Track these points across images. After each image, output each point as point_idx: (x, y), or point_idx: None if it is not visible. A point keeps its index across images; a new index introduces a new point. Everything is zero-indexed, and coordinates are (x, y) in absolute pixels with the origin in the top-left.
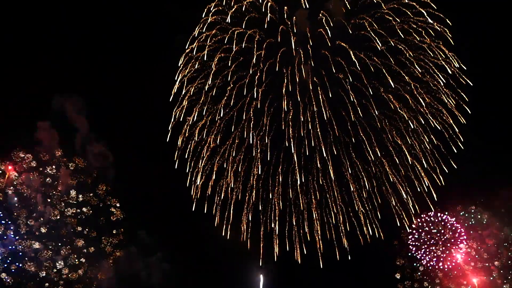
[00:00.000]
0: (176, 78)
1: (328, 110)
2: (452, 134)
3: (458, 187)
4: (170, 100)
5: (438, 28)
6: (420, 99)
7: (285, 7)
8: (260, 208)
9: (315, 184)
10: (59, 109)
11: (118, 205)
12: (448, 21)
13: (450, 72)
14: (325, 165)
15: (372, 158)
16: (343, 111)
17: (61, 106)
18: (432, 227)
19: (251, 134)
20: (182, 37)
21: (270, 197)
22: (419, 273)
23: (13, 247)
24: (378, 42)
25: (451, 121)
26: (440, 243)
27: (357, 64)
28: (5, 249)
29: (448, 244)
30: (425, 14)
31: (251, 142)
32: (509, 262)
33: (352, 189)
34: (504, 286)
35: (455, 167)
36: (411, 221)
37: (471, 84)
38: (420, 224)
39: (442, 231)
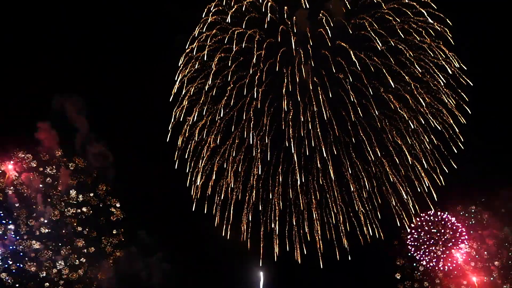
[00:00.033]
0: (176, 78)
1: (328, 110)
2: (452, 134)
3: (458, 187)
4: (170, 100)
5: (438, 28)
6: (420, 99)
7: (285, 7)
8: (260, 208)
9: (315, 184)
10: (59, 109)
11: (118, 205)
12: (448, 21)
13: (450, 72)
14: (325, 165)
15: (372, 158)
16: (343, 111)
17: (61, 106)
18: (432, 227)
19: (251, 134)
20: (182, 37)
21: (270, 197)
22: (419, 273)
23: (14, 247)
24: (378, 42)
25: (451, 121)
26: (440, 243)
27: (357, 64)
28: (5, 249)
29: (449, 244)
30: (425, 14)
31: (251, 142)
32: (510, 262)
33: (352, 189)
34: (504, 286)
35: (455, 167)
36: (411, 221)
37: (471, 84)
38: (419, 223)
39: (442, 230)
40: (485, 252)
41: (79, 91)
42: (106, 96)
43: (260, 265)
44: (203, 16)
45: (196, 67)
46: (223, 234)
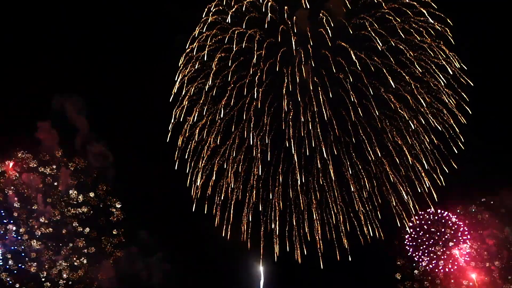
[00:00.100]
0: (176, 78)
1: (329, 110)
2: (453, 134)
3: (458, 187)
4: (170, 100)
5: (439, 28)
6: (421, 99)
7: (286, 7)
8: (260, 208)
9: (316, 184)
10: (59, 109)
11: (118, 205)
12: (448, 21)
13: (450, 72)
14: (326, 165)
15: (373, 158)
16: (344, 111)
17: (61, 106)
18: (431, 227)
19: (251, 134)
20: (182, 37)
21: (271, 197)
22: (419, 274)
23: (14, 247)
24: (379, 42)
25: (452, 121)
26: (441, 243)
27: (357, 64)
28: (6, 249)
29: (450, 244)
30: (426, 14)
31: (251, 142)
32: (510, 262)
33: (352, 189)
34: (504, 287)
35: (456, 167)
36: (410, 219)
37: (472, 85)
38: (418, 222)
39: (443, 230)
40: (485, 252)
41: (79, 91)
42: (106, 96)
43: (260, 265)
44: (203, 16)
45: (196, 67)
46: (223, 234)
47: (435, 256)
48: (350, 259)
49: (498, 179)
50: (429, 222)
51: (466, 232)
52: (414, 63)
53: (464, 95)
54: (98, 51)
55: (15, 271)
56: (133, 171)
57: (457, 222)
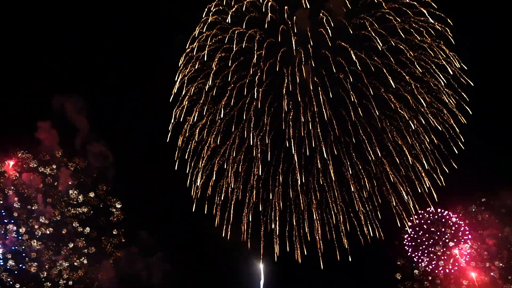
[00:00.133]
0: (176, 78)
1: (329, 110)
2: (453, 134)
3: (459, 187)
4: (170, 100)
5: (439, 28)
6: (421, 99)
7: (286, 7)
8: (260, 209)
9: (316, 184)
10: (59, 109)
11: (118, 205)
12: (449, 21)
13: (451, 72)
14: (326, 165)
15: (373, 158)
16: (344, 111)
17: (61, 106)
18: (431, 226)
19: (251, 134)
20: (182, 37)
21: (271, 197)
22: (419, 273)
23: (14, 247)
24: (379, 41)
25: (452, 121)
26: (441, 243)
27: (357, 64)
28: (6, 249)
29: (450, 244)
30: (426, 13)
31: (251, 142)
32: (511, 262)
33: (352, 189)
34: (504, 287)
35: (456, 167)
36: (410, 219)
37: (472, 85)
38: (418, 222)
39: (443, 229)
40: (485, 252)
41: (79, 91)
42: (106, 96)
43: (260, 265)
44: (203, 16)
45: (196, 67)
46: (223, 234)
47: (435, 257)
48: (350, 259)
49: (498, 179)
50: (429, 221)
51: (467, 232)
52: (414, 63)
53: (464, 95)
54: (98, 51)
55: (16, 271)
56: (133, 171)
57: (457, 222)
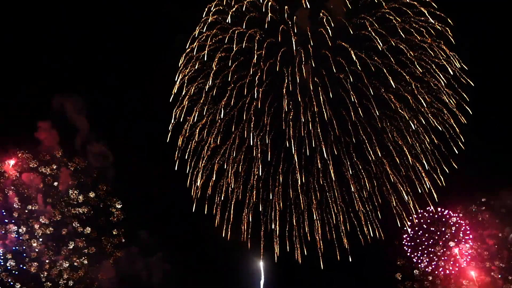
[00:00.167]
0: (176, 78)
1: (329, 110)
2: (453, 134)
3: (459, 187)
4: (170, 100)
5: (439, 28)
6: (421, 99)
7: (286, 7)
8: (260, 209)
9: (316, 184)
10: (59, 109)
11: (119, 206)
12: (449, 21)
13: (451, 72)
14: (326, 165)
15: (373, 158)
16: (344, 111)
17: (61, 106)
18: (431, 226)
19: (251, 134)
20: (182, 37)
21: (271, 197)
22: (419, 274)
23: (15, 247)
24: (379, 41)
25: (452, 121)
26: (441, 243)
27: (357, 64)
28: (6, 249)
29: (451, 244)
30: (426, 13)
31: (251, 142)
32: (511, 262)
33: (352, 189)
34: (504, 287)
35: (456, 167)
36: (412, 221)
37: (472, 85)
38: (417, 221)
39: (443, 229)
40: (485, 252)
41: (79, 91)
42: (106, 96)
43: (261, 265)
44: (203, 16)
45: (196, 67)
46: (223, 235)
47: (435, 258)
48: (350, 259)
49: (498, 179)
50: (428, 220)
51: (468, 232)
52: (415, 63)
53: (465, 95)
54: (98, 51)
55: (16, 272)
56: (133, 171)
57: (457, 222)
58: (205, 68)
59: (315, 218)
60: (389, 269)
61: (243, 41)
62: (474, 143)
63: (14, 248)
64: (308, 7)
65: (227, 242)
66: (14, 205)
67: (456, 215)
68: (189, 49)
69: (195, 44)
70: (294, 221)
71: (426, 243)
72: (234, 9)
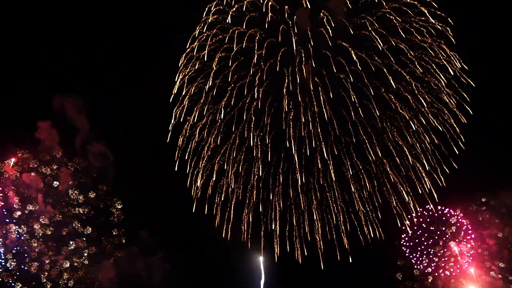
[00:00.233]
0: (176, 78)
1: (329, 110)
2: (453, 134)
3: (459, 187)
4: (170, 100)
5: (440, 28)
6: (421, 99)
7: (286, 7)
8: (260, 209)
9: (316, 184)
10: (59, 109)
11: (119, 206)
12: (449, 21)
13: (451, 72)
14: (326, 165)
15: (373, 158)
16: (344, 111)
17: (61, 106)
18: (431, 226)
19: (251, 134)
20: (182, 37)
21: (271, 197)
22: (419, 274)
23: (16, 248)
24: (379, 41)
25: (452, 121)
26: (441, 243)
27: (358, 63)
28: (6, 250)
29: (451, 244)
30: (427, 13)
31: (251, 143)
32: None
33: (353, 189)
34: (504, 286)
35: (456, 167)
36: (412, 220)
37: (473, 85)
38: (417, 221)
39: (443, 229)
40: (486, 252)
41: (79, 91)
42: (106, 96)
43: (261, 265)
44: (204, 15)
45: (196, 67)
46: (224, 235)
47: (435, 258)
48: (350, 260)
49: (498, 179)
50: (428, 220)
51: (470, 231)
52: (415, 62)
53: (465, 95)
54: (98, 51)
55: (16, 272)
56: (133, 171)
57: (458, 222)
58: (205, 68)
59: (315, 218)
60: (389, 269)
61: (243, 41)
62: (474, 143)
63: (14, 248)
64: (309, 7)
65: (227, 242)
66: (14, 205)
67: (456, 215)
68: (189, 49)
69: (195, 44)
70: (294, 221)
71: (426, 243)
72: (234, 9)
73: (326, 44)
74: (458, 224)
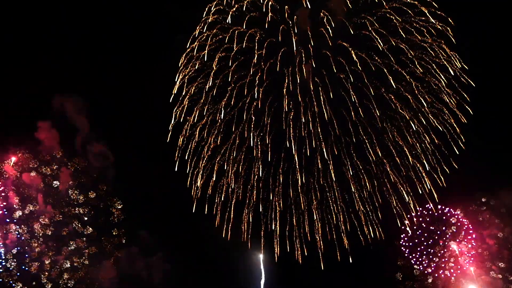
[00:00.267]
0: (176, 78)
1: (329, 110)
2: (454, 134)
3: (459, 187)
4: (170, 100)
5: (440, 28)
6: (422, 99)
7: (286, 6)
8: (260, 209)
9: (316, 184)
10: (59, 109)
11: (119, 206)
12: (450, 20)
13: (451, 72)
14: (326, 165)
15: (373, 158)
16: (344, 111)
17: (61, 106)
18: (431, 226)
19: (251, 134)
20: (182, 37)
21: (271, 197)
22: (420, 274)
23: (17, 248)
24: (380, 41)
25: (453, 121)
26: (441, 243)
27: (358, 63)
28: (6, 250)
29: (451, 244)
30: (427, 13)
31: (251, 143)
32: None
33: (353, 189)
34: (504, 286)
35: (456, 167)
36: (412, 220)
37: (473, 85)
38: (416, 220)
39: (443, 228)
40: (486, 252)
41: (79, 91)
42: (106, 96)
43: (261, 265)
44: (204, 15)
45: (196, 67)
46: (224, 235)
47: (435, 259)
48: (350, 260)
49: (498, 179)
50: (428, 219)
51: (470, 231)
52: (415, 62)
53: (465, 95)
54: (98, 51)
55: (17, 272)
56: (133, 171)
57: (458, 222)
58: (205, 68)
59: (315, 218)
60: (389, 269)
61: (243, 41)
62: (474, 143)
63: (14, 248)
64: (309, 6)
65: (227, 242)
66: (14, 205)
67: (456, 215)
68: (189, 49)
69: (195, 44)
70: (294, 221)
71: (426, 243)
72: (234, 9)
73: (326, 44)
74: (459, 224)
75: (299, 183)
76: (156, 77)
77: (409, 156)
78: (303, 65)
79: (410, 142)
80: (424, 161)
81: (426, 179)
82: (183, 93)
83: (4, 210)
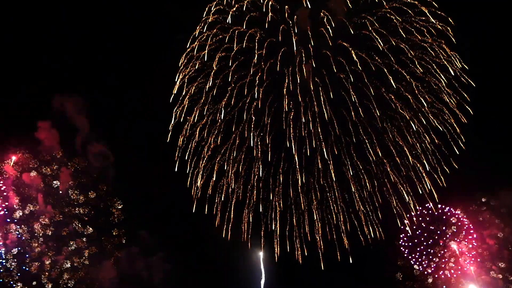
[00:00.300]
0: (176, 78)
1: (329, 110)
2: (454, 134)
3: (459, 187)
4: (170, 100)
5: (440, 27)
6: (422, 99)
7: (286, 6)
8: (260, 209)
9: (316, 184)
10: (59, 109)
11: (119, 206)
12: (450, 20)
13: (452, 72)
14: (326, 165)
15: (373, 158)
16: (344, 111)
17: (61, 106)
18: (431, 226)
19: (252, 134)
20: (182, 37)
21: (271, 197)
22: (420, 274)
23: (17, 248)
24: (380, 41)
25: (453, 121)
26: (441, 243)
27: (358, 63)
28: (6, 250)
29: (451, 244)
30: (427, 13)
31: (251, 143)
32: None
33: (353, 189)
34: (504, 287)
35: (456, 167)
36: (412, 220)
37: (473, 85)
38: (416, 220)
39: (444, 228)
40: (486, 252)
41: (79, 91)
42: (106, 96)
43: (261, 265)
44: (204, 15)
45: (196, 67)
46: (224, 235)
47: (435, 259)
48: (350, 260)
49: (498, 179)
50: (428, 218)
51: (470, 231)
52: (415, 62)
53: (465, 95)
54: (98, 51)
55: (17, 272)
56: (133, 171)
57: (458, 222)
58: (205, 68)
59: (315, 218)
60: (390, 269)
61: (244, 41)
62: (474, 143)
63: (15, 248)
64: (309, 6)
65: (227, 242)
66: (15, 205)
67: (456, 215)
68: (189, 49)
69: (195, 44)
70: (295, 221)
71: (426, 243)
72: (234, 8)
73: (326, 44)
74: (459, 224)
75: (299, 183)
76: (156, 77)
77: (409, 156)
78: (303, 65)
79: (410, 142)
80: (424, 161)
81: (426, 179)
82: (183, 93)
83: (4, 210)
